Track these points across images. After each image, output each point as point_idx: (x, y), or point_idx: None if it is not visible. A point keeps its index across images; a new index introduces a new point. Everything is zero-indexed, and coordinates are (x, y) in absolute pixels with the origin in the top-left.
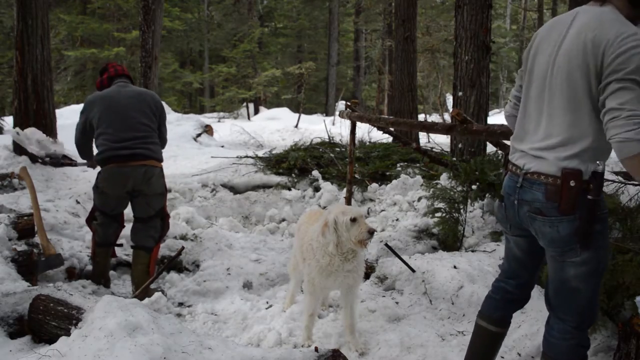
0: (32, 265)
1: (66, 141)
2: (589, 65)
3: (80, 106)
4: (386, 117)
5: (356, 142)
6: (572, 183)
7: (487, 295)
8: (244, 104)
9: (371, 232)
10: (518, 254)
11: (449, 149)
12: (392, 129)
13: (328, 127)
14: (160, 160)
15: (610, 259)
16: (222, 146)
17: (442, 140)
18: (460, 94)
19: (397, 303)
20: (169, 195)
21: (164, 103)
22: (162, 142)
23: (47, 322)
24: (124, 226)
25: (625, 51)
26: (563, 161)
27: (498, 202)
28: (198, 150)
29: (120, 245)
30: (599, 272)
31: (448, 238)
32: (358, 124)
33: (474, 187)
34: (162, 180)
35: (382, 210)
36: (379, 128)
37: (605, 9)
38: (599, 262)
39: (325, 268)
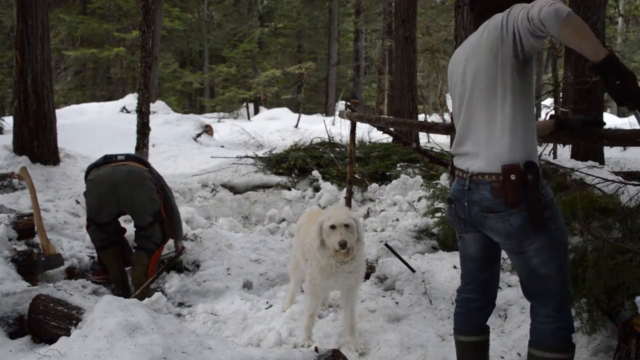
0: (32, 265)
1: (66, 141)
2: (492, 46)
3: (80, 106)
4: (386, 117)
5: (356, 142)
6: (512, 177)
7: (454, 312)
8: (244, 104)
9: (341, 244)
10: (474, 252)
11: (449, 149)
12: (392, 129)
13: (328, 127)
14: (146, 164)
15: (568, 237)
16: (222, 146)
17: (442, 140)
18: None
19: (397, 303)
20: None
21: (163, 102)
22: (167, 195)
23: (47, 322)
24: (120, 231)
25: (511, 8)
26: (500, 157)
27: (447, 205)
28: (198, 150)
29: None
30: (560, 253)
31: (448, 238)
32: (358, 124)
33: None
34: (150, 182)
35: (382, 210)
36: (379, 128)
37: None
38: (557, 244)
39: (325, 269)
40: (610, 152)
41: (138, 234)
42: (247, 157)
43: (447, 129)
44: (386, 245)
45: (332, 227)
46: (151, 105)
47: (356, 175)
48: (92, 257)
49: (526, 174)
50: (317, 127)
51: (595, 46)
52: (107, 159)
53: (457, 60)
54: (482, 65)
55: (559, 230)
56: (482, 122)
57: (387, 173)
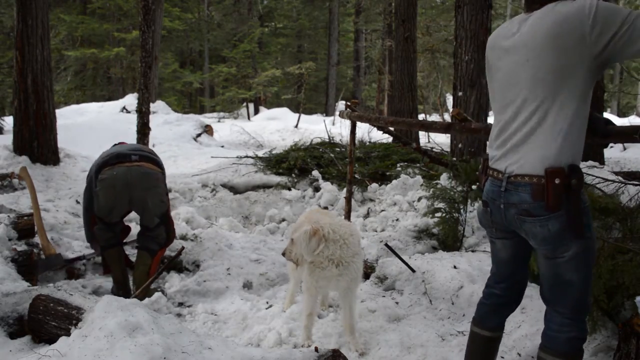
0: (32, 265)
1: (66, 141)
2: (562, 43)
3: (80, 106)
4: (386, 116)
5: (356, 142)
6: (557, 180)
7: (479, 301)
8: (244, 104)
9: (282, 253)
10: (504, 257)
11: (449, 149)
12: (392, 128)
13: (328, 127)
14: (159, 165)
15: (597, 249)
16: (222, 146)
17: (442, 140)
18: (460, 94)
19: (397, 303)
20: (169, 195)
21: (163, 103)
22: None
23: (47, 322)
24: (126, 231)
25: (596, 7)
26: (546, 160)
27: (482, 207)
28: (198, 150)
29: (125, 244)
30: (590, 263)
31: (448, 238)
32: (358, 124)
33: (474, 187)
34: (162, 184)
35: (382, 210)
36: (379, 128)
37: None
38: (589, 253)
39: (314, 271)
40: (610, 152)
41: (143, 234)
42: (247, 157)
43: (445, 127)
44: (386, 245)
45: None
46: (151, 105)
47: (356, 175)
48: (93, 257)
49: (570, 178)
50: (317, 127)
51: None
52: (121, 158)
53: (503, 50)
54: (548, 63)
55: (592, 239)
56: (534, 122)
57: (387, 173)
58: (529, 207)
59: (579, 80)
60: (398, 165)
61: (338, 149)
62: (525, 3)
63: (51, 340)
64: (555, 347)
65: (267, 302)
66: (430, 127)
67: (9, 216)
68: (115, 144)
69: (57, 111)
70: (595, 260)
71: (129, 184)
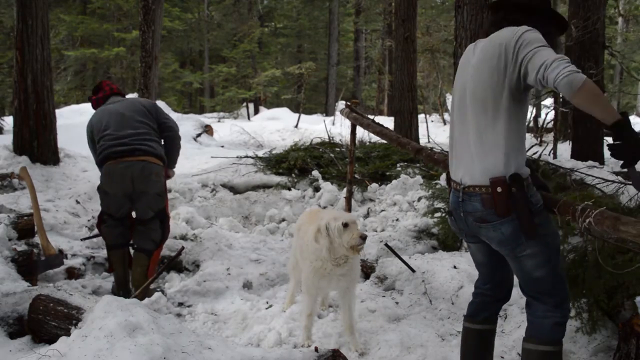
0: (32, 265)
1: (66, 141)
2: (494, 64)
3: (80, 106)
4: (374, 125)
5: (356, 142)
6: (498, 189)
7: (470, 301)
8: (244, 104)
9: (363, 238)
10: (481, 259)
11: (448, 149)
12: (392, 128)
13: (328, 127)
14: (161, 158)
15: (560, 240)
16: (222, 146)
17: (442, 141)
18: None
19: (397, 303)
20: (169, 195)
21: (163, 103)
22: (173, 135)
23: (47, 322)
24: (133, 227)
25: (521, 36)
26: (489, 171)
27: (449, 217)
28: (198, 150)
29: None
30: (553, 256)
31: (448, 238)
32: None
33: None
34: (162, 179)
35: (382, 210)
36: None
37: (498, 32)
38: (548, 248)
39: (318, 271)
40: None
41: (137, 229)
42: (247, 157)
43: (416, 150)
44: (386, 245)
45: (345, 225)
46: None
47: (356, 175)
48: (92, 257)
49: (511, 187)
50: (317, 127)
51: (605, 114)
52: (124, 153)
53: (465, 66)
54: (482, 81)
55: (550, 235)
56: (475, 136)
57: (387, 173)
58: (481, 214)
59: (506, 99)
60: (398, 165)
61: (338, 149)
62: (483, 29)
63: (51, 340)
64: (541, 335)
65: (267, 302)
66: (405, 146)
67: (9, 216)
68: (108, 96)
69: (57, 111)
70: (559, 254)
71: (131, 177)
